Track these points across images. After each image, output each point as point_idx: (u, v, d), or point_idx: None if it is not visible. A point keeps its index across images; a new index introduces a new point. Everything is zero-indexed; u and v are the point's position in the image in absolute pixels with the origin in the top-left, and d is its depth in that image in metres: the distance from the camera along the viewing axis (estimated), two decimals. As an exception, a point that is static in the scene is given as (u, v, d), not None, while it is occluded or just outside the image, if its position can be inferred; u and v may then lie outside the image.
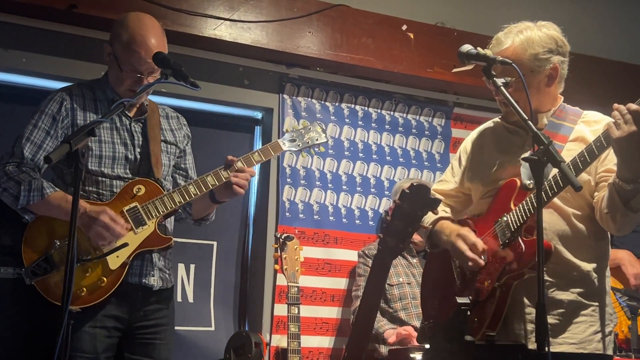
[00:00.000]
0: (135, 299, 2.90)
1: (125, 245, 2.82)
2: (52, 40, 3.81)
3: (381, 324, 3.93)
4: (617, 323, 3.58)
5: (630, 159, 2.34)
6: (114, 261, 2.81)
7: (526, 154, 2.58)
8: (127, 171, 2.94)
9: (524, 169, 2.55)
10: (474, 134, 2.92)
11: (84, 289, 2.76)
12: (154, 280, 2.94)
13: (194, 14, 3.94)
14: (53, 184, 2.83)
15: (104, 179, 2.89)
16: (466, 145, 2.90)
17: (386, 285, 3.99)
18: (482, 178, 2.73)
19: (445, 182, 2.92)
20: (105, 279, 2.79)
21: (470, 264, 2.56)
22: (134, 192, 2.89)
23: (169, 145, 3.11)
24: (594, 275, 2.56)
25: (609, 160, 2.52)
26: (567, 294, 2.53)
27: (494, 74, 2.49)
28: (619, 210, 2.41)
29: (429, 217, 2.72)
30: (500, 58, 2.49)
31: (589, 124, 2.65)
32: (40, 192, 2.75)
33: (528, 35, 2.61)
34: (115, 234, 2.78)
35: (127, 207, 2.87)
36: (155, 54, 2.84)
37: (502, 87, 2.44)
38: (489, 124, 2.90)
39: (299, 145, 3.22)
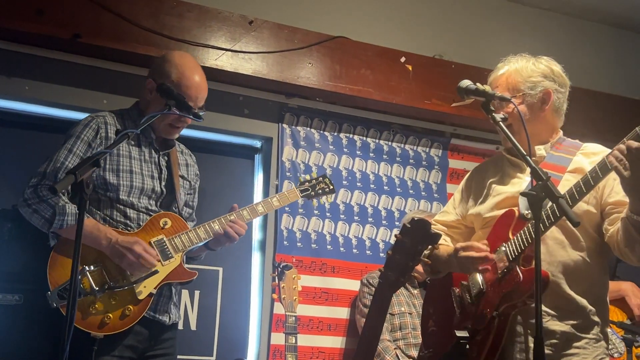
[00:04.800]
0: (151, 330, 2.93)
1: (155, 272, 2.87)
2: (56, 68, 3.84)
3: None
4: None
5: None
6: (143, 291, 2.85)
7: (524, 189, 2.63)
8: (153, 203, 2.99)
9: (522, 200, 2.58)
10: (477, 166, 2.97)
11: (110, 316, 2.79)
12: (166, 317, 2.99)
13: (196, 44, 3.99)
14: None
15: (132, 210, 2.93)
16: (469, 177, 2.95)
17: (387, 315, 4.00)
18: (483, 208, 2.77)
19: (447, 213, 2.97)
20: (132, 307, 2.83)
21: (480, 263, 2.57)
22: (161, 224, 2.95)
23: (184, 181, 3.19)
24: (591, 307, 2.57)
25: (617, 192, 2.53)
26: (562, 325, 2.54)
27: (493, 109, 2.54)
28: (637, 242, 2.43)
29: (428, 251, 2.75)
30: (499, 94, 2.55)
31: (587, 156, 2.69)
32: (75, 217, 2.77)
33: (523, 64, 2.72)
34: (148, 264, 2.83)
35: (154, 239, 2.93)
36: (159, 85, 2.91)
37: (500, 123, 2.49)
38: (493, 157, 2.96)
39: (311, 194, 3.45)
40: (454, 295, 2.72)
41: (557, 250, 2.58)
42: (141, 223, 2.93)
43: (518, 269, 2.49)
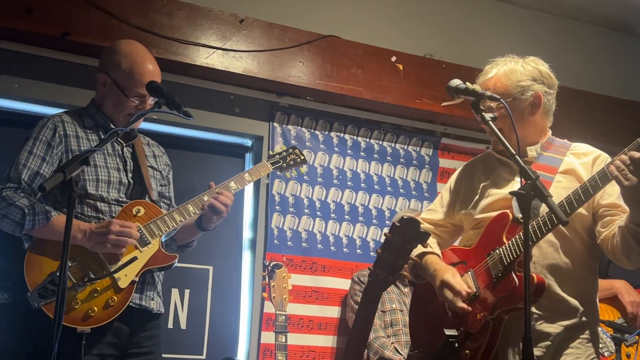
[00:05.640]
0: (134, 322, 2.91)
1: (134, 259, 2.86)
2: (45, 66, 3.83)
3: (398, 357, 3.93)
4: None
5: None
6: (124, 280, 2.83)
7: (514, 189, 2.63)
8: (123, 195, 2.98)
9: (515, 202, 2.58)
10: (465, 165, 2.96)
11: (95, 308, 2.77)
12: (154, 304, 2.98)
13: (187, 42, 3.98)
14: None
15: (102, 203, 2.91)
16: (457, 176, 2.93)
17: (379, 312, 4.01)
18: (474, 209, 2.76)
19: (434, 211, 2.95)
20: (115, 297, 2.81)
21: (460, 311, 2.57)
22: (134, 212, 2.94)
23: (154, 171, 3.17)
24: (582, 308, 2.59)
25: (609, 194, 2.55)
26: (555, 326, 2.55)
27: (482, 108, 2.53)
28: (634, 251, 2.45)
29: (416, 249, 2.74)
30: (489, 93, 2.54)
31: (577, 157, 2.70)
32: (45, 215, 2.76)
33: (512, 67, 2.69)
34: (133, 235, 2.81)
35: None
36: (149, 83, 2.90)
37: (490, 122, 2.49)
38: (481, 155, 2.95)
39: (282, 166, 3.41)
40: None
41: (550, 252, 2.59)
42: (114, 215, 2.91)
43: (514, 274, 2.49)
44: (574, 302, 2.58)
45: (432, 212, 2.95)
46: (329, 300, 4.39)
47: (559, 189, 2.56)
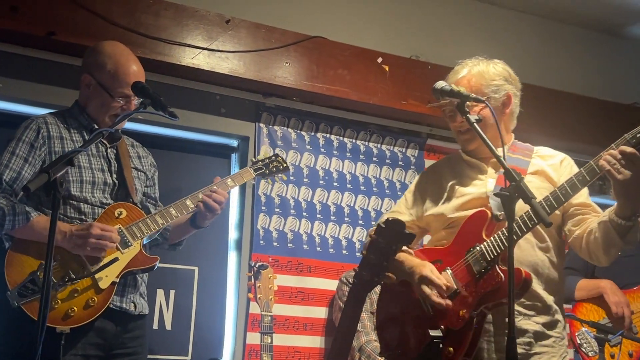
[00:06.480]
0: (119, 322, 2.91)
1: (115, 260, 2.86)
2: (30, 66, 3.81)
3: None
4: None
5: (632, 199, 2.41)
6: (104, 280, 2.83)
7: (487, 189, 2.66)
8: (107, 196, 2.97)
9: (493, 201, 2.61)
10: (429, 167, 2.99)
11: (75, 308, 2.76)
12: (133, 306, 2.97)
13: (173, 43, 3.97)
14: None
15: (86, 204, 2.90)
16: (421, 178, 2.94)
17: (368, 313, 4.01)
18: (446, 209, 2.76)
19: (399, 213, 2.91)
20: (95, 297, 2.81)
21: (438, 307, 2.55)
22: (116, 214, 2.93)
23: (139, 172, 3.16)
24: (555, 307, 2.64)
25: (580, 193, 2.57)
26: (531, 323, 2.59)
27: (467, 110, 2.55)
28: (615, 246, 2.49)
29: None
30: (474, 95, 2.57)
31: (544, 158, 2.77)
32: (25, 215, 2.76)
33: (483, 66, 2.75)
34: (113, 239, 2.81)
35: None
36: (134, 84, 2.90)
37: (475, 124, 2.50)
38: (445, 158, 2.99)
39: (265, 173, 3.45)
40: None
41: (527, 249, 2.62)
42: (96, 217, 2.92)
43: (498, 269, 2.50)
44: (549, 299, 2.62)
45: (397, 214, 2.90)
46: (314, 301, 4.39)
47: (532, 189, 2.58)
